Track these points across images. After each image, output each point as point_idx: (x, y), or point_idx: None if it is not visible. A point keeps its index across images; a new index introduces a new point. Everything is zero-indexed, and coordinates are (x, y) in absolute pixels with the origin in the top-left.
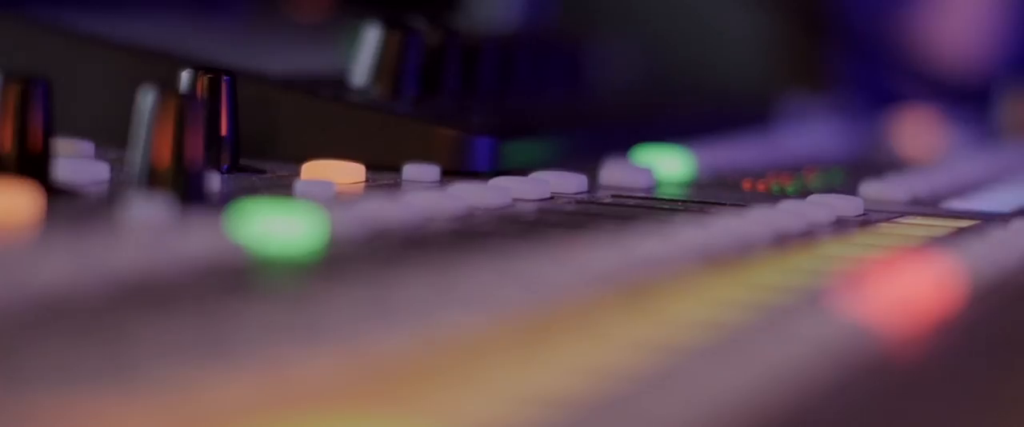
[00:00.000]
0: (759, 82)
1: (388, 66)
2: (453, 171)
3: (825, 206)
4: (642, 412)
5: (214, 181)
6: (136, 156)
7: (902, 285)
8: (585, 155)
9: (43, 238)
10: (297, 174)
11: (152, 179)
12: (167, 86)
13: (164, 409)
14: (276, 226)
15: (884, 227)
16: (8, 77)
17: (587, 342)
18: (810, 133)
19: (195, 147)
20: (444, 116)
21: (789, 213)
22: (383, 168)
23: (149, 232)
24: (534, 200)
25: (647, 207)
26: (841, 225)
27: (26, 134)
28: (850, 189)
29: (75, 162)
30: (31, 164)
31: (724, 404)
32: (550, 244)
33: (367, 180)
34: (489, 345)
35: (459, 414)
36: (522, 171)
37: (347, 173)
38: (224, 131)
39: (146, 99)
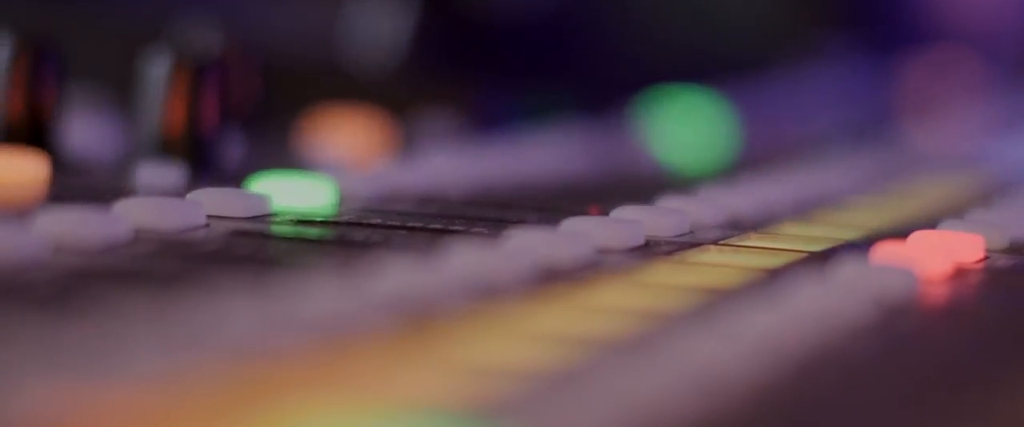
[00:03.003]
0: None
1: None
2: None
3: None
4: None
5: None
6: (146, 123)
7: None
8: None
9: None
10: None
11: (164, 147)
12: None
13: None
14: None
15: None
16: (19, 43)
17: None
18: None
19: (208, 113)
20: None
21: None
22: None
23: None
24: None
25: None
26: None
27: (35, 101)
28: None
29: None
30: (39, 131)
31: None
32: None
33: None
34: None
35: None
36: None
37: None
38: None
39: (156, 64)
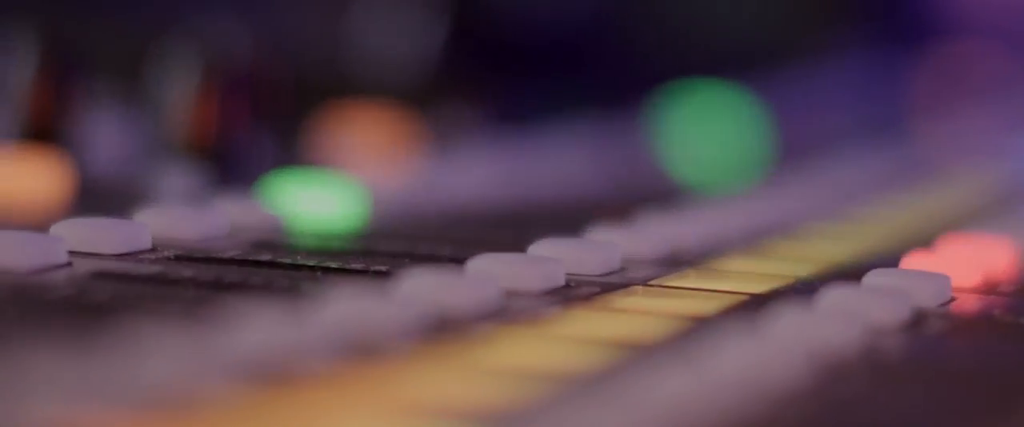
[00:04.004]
0: None
1: None
2: None
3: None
4: None
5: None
6: (166, 126)
7: None
8: None
9: None
10: None
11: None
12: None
13: None
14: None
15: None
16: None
17: None
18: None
19: (234, 117)
20: None
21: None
22: None
23: None
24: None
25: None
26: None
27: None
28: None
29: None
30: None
31: None
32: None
33: None
34: None
35: None
36: None
37: None
38: None
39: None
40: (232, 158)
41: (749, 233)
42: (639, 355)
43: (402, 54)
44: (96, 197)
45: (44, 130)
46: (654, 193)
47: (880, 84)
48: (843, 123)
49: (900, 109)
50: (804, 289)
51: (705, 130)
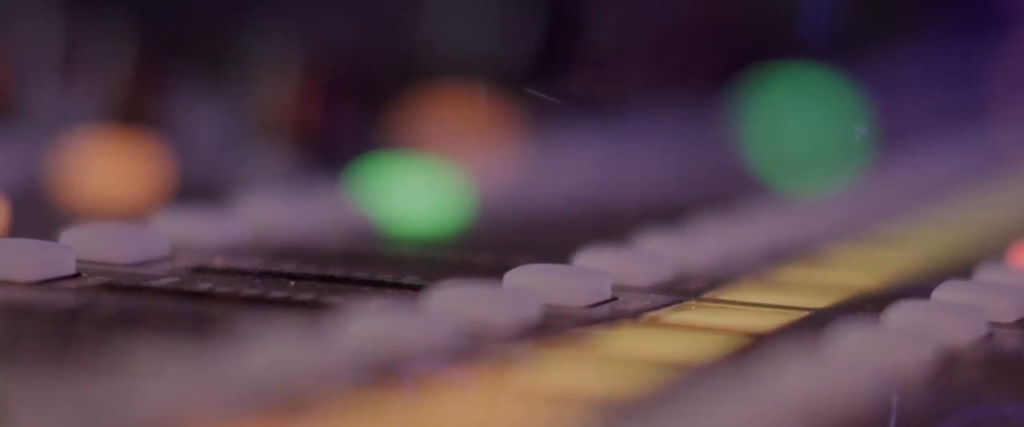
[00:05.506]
0: None
1: None
2: None
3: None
4: None
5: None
6: (260, 112)
7: None
8: None
9: None
10: None
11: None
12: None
13: None
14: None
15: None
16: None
17: None
18: None
19: (329, 102)
20: None
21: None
22: None
23: None
24: None
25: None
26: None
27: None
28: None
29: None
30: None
31: None
32: None
33: None
34: None
35: None
36: None
37: None
38: None
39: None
40: (327, 144)
41: (812, 239)
42: (692, 377)
43: (495, 38)
44: (193, 184)
45: (139, 115)
46: (722, 189)
47: (962, 72)
48: (924, 112)
49: (982, 98)
50: (870, 305)
51: (792, 119)
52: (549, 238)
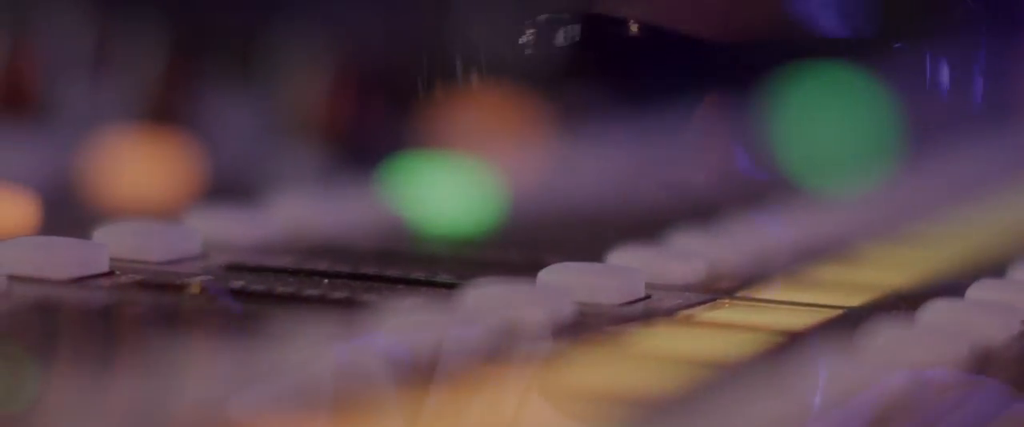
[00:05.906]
0: None
1: None
2: None
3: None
4: None
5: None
6: (291, 109)
7: None
8: None
9: None
10: None
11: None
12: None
13: None
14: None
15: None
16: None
17: None
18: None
19: (360, 99)
20: None
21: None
22: None
23: None
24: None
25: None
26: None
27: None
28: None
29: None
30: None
31: None
32: None
33: None
34: None
35: None
36: None
37: None
38: None
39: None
40: (358, 142)
41: (846, 237)
42: (726, 375)
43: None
44: (225, 183)
45: (170, 113)
46: (754, 188)
47: (993, 70)
48: (956, 110)
49: (1016, 95)
50: (904, 304)
51: (824, 117)
52: (582, 236)
